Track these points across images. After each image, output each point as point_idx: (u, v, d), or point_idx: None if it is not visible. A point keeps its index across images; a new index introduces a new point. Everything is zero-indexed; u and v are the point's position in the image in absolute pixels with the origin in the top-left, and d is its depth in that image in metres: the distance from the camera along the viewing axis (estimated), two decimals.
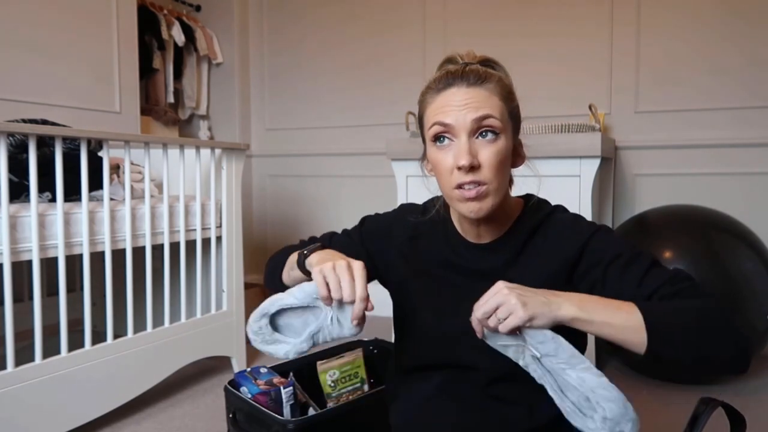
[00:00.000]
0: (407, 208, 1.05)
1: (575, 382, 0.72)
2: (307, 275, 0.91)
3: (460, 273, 0.94)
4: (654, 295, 0.79)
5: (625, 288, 0.80)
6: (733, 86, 2.42)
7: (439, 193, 0.95)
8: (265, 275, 1.10)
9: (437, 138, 0.84)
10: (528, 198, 0.97)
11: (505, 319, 0.73)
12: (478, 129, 0.82)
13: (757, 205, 2.39)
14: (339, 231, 1.10)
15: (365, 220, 1.08)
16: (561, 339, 0.74)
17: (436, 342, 0.91)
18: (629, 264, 0.82)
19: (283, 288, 0.96)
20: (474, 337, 0.78)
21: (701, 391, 1.59)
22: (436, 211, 0.99)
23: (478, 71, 0.84)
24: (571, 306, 0.74)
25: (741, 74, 2.41)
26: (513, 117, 0.86)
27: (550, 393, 0.75)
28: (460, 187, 0.82)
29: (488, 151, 0.82)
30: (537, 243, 0.90)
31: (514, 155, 0.89)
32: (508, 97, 0.85)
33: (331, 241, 1.06)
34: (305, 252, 0.93)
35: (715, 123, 2.46)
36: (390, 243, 1.02)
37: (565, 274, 0.87)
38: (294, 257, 0.97)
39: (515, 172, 0.94)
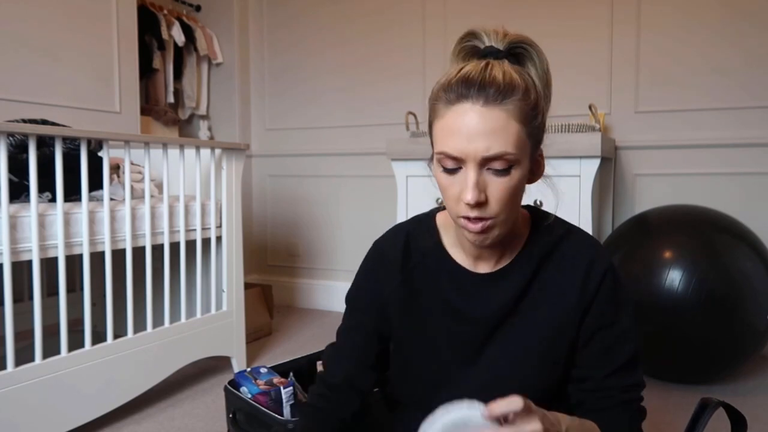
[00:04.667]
0: (382, 248, 0.94)
1: None
2: None
3: (466, 318, 0.86)
4: (606, 384, 0.84)
5: (592, 359, 0.85)
6: (733, 86, 2.42)
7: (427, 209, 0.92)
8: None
9: (444, 166, 0.76)
10: (534, 213, 0.90)
11: None
12: (489, 162, 0.73)
13: (757, 205, 2.39)
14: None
15: (348, 299, 0.96)
16: None
17: (437, 402, 0.78)
18: (612, 347, 0.84)
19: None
20: (485, 395, 0.71)
21: (702, 392, 1.60)
22: (427, 236, 0.90)
23: (500, 84, 0.71)
24: None
25: (741, 74, 2.41)
26: (533, 135, 0.76)
27: None
28: (464, 217, 0.76)
29: (498, 186, 0.73)
30: (550, 272, 0.85)
31: (531, 172, 0.80)
32: (531, 114, 0.74)
33: (338, 352, 0.95)
34: None
35: (715, 123, 2.46)
36: (383, 288, 0.91)
37: (581, 313, 0.85)
38: None
39: None
